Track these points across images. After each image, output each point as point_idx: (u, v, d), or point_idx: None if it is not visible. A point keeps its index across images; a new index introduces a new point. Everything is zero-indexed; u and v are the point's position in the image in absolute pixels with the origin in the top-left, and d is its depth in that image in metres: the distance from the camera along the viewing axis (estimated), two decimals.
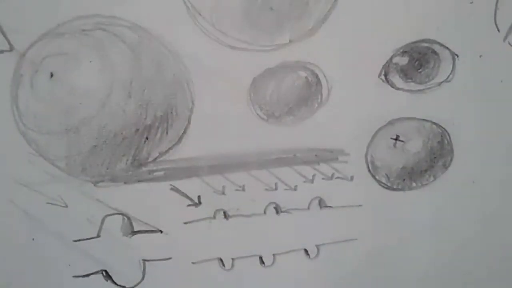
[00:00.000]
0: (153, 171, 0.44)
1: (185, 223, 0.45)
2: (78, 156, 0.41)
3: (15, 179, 0.42)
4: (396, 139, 0.46)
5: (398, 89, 0.45)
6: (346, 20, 0.42)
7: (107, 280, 0.45)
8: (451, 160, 0.47)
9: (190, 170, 0.44)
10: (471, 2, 0.43)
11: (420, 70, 0.44)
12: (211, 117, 0.43)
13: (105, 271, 0.45)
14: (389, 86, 0.44)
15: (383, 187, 0.47)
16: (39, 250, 0.44)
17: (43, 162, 0.42)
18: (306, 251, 0.48)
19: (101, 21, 0.40)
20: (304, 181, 0.46)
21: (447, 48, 0.44)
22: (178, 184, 0.44)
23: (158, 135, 0.42)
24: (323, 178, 0.46)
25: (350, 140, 0.45)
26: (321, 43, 0.42)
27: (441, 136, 0.46)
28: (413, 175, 0.47)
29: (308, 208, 0.47)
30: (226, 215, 0.46)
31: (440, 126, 0.46)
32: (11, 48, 0.39)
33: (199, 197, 0.45)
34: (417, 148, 0.46)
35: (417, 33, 0.43)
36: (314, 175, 0.46)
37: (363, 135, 0.46)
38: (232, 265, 0.47)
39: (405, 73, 0.44)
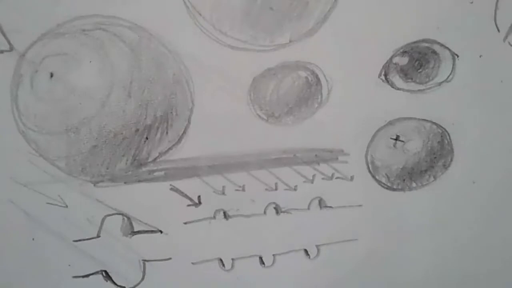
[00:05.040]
0: (153, 171, 0.44)
1: (185, 223, 0.45)
2: (78, 156, 0.41)
3: (15, 179, 0.42)
4: (396, 139, 0.46)
5: (398, 89, 0.45)
6: (346, 20, 0.42)
7: (107, 281, 0.45)
8: (451, 160, 0.47)
9: (190, 170, 0.44)
10: (471, 2, 0.43)
11: (420, 70, 0.44)
12: (211, 117, 0.43)
13: (105, 271, 0.45)
14: (389, 86, 0.44)
15: (383, 187, 0.47)
16: (39, 250, 0.44)
17: (43, 162, 0.42)
18: (306, 251, 0.48)
19: (101, 21, 0.40)
20: (304, 181, 0.46)
21: (447, 48, 0.44)
22: (178, 184, 0.44)
23: (158, 135, 0.42)
24: (323, 178, 0.46)
25: (350, 140, 0.45)
26: (321, 43, 0.42)
27: (441, 136, 0.46)
28: (413, 175, 0.47)
29: (308, 208, 0.47)
30: (226, 215, 0.46)
31: (440, 126, 0.46)
32: (11, 48, 0.39)
33: (199, 197, 0.45)
34: (417, 148, 0.46)
35: (417, 33, 0.43)
36: (314, 175, 0.46)
37: (363, 135, 0.46)
38: (232, 265, 0.47)
39: (405, 73, 0.44)
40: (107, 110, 0.40)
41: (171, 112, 0.42)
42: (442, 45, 0.44)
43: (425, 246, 0.49)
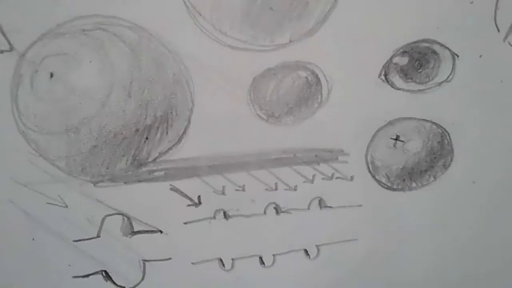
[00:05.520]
0: (153, 171, 0.44)
1: (185, 223, 0.45)
2: (78, 156, 0.41)
3: (15, 179, 0.42)
4: (396, 139, 0.46)
5: (398, 89, 0.45)
6: (346, 20, 0.42)
7: (106, 281, 0.45)
8: (451, 160, 0.47)
9: (190, 170, 0.44)
10: (471, 2, 0.43)
11: (420, 70, 0.44)
12: (211, 117, 0.43)
13: (105, 271, 0.45)
14: (389, 86, 0.44)
15: (383, 187, 0.47)
16: (39, 250, 0.44)
17: (43, 162, 0.42)
18: (306, 251, 0.48)
19: (101, 21, 0.40)
20: (304, 181, 0.46)
21: (447, 48, 0.44)
22: (178, 184, 0.44)
23: (158, 135, 0.42)
24: (323, 178, 0.46)
25: (350, 140, 0.45)
26: (321, 43, 0.42)
27: (441, 136, 0.46)
28: (413, 175, 0.47)
29: (308, 208, 0.47)
30: (226, 215, 0.46)
31: (440, 126, 0.46)
32: (11, 48, 0.39)
33: (199, 197, 0.45)
34: (417, 148, 0.46)
35: (417, 33, 0.43)
36: (314, 175, 0.46)
37: (363, 135, 0.46)
38: (232, 265, 0.47)
39: (405, 73, 0.44)
40: (107, 110, 0.40)
41: (171, 112, 0.42)
42: (442, 45, 0.44)
43: (425, 246, 0.49)
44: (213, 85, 0.42)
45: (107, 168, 0.42)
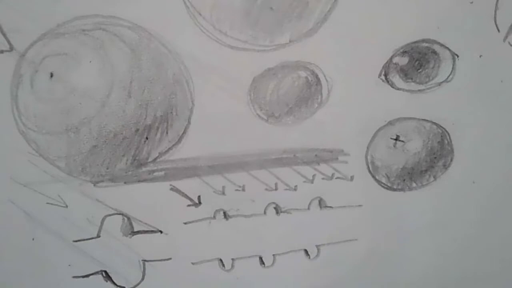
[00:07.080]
0: (153, 171, 0.44)
1: (185, 223, 0.45)
2: (78, 156, 0.41)
3: (15, 179, 0.42)
4: (396, 139, 0.46)
5: (398, 89, 0.45)
6: (346, 20, 0.42)
7: (106, 281, 0.45)
8: (451, 160, 0.47)
9: (190, 170, 0.44)
10: (471, 2, 0.43)
11: (420, 70, 0.44)
12: (211, 117, 0.43)
13: (105, 271, 0.45)
14: (389, 86, 0.44)
15: (383, 187, 0.47)
16: (39, 250, 0.44)
17: (43, 162, 0.42)
18: (306, 251, 0.48)
19: (101, 21, 0.40)
20: (304, 181, 0.46)
21: (447, 48, 0.44)
22: (178, 184, 0.44)
23: (158, 135, 0.42)
24: (323, 178, 0.46)
25: (350, 140, 0.45)
26: (321, 43, 0.42)
27: (441, 136, 0.46)
28: (413, 175, 0.47)
29: (308, 208, 0.47)
30: (226, 215, 0.46)
31: (440, 126, 0.46)
32: (11, 48, 0.39)
33: (199, 197, 0.45)
34: (417, 148, 0.46)
35: (417, 33, 0.43)
36: (314, 175, 0.46)
37: (363, 135, 0.46)
38: (232, 266, 0.47)
39: (405, 73, 0.44)
40: (107, 110, 0.40)
41: (171, 112, 0.42)
42: (442, 45, 0.44)
43: (425, 246, 0.49)
44: (213, 85, 0.42)
45: (107, 168, 0.42)
